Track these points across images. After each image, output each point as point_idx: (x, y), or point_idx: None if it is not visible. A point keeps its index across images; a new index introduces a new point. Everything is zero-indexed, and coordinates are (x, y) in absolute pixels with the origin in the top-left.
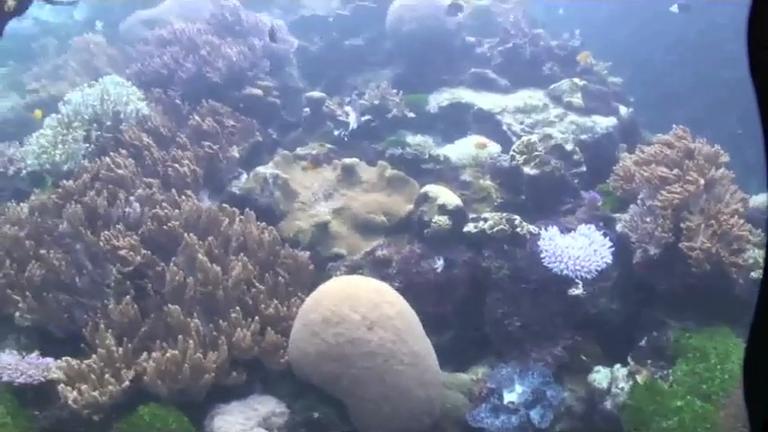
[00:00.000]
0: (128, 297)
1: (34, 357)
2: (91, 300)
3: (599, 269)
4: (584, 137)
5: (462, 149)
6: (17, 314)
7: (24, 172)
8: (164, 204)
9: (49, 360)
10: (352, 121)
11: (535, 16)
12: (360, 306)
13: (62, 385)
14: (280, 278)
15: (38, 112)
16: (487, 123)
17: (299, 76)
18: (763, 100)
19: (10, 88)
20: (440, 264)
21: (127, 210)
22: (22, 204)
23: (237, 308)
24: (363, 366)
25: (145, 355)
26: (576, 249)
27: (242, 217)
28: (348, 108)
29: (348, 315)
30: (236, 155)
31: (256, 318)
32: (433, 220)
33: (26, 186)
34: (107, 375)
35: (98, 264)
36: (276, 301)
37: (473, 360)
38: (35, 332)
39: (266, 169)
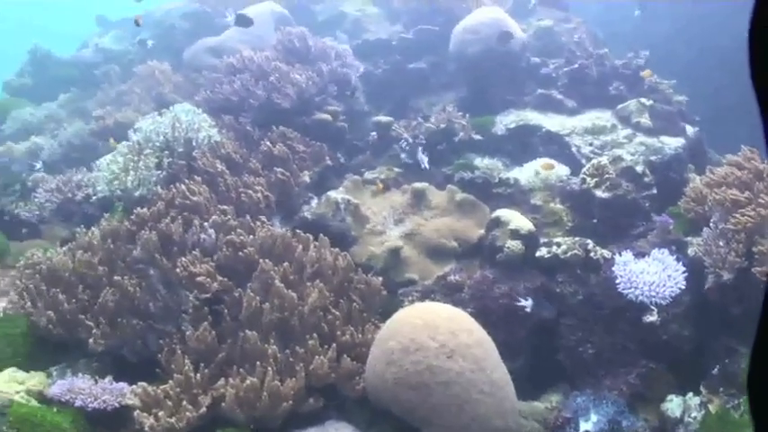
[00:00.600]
0: (205, 323)
1: (107, 382)
2: (164, 325)
3: (673, 295)
4: (653, 158)
5: (531, 172)
6: (90, 340)
7: (95, 198)
8: (238, 231)
9: (123, 385)
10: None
11: (596, 32)
12: (438, 334)
13: (138, 411)
14: (354, 304)
15: (113, 141)
16: (555, 145)
17: (364, 99)
18: (766, 107)
19: (74, 114)
20: (528, 303)
21: (201, 236)
22: (93, 229)
23: (315, 334)
24: (443, 395)
25: (222, 381)
26: (650, 275)
27: (316, 243)
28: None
29: (426, 343)
30: (307, 180)
31: (333, 345)
32: (506, 245)
33: (94, 211)
34: (184, 401)
35: (171, 289)
36: (351, 328)
37: (545, 387)
38: (107, 356)
39: (337, 194)
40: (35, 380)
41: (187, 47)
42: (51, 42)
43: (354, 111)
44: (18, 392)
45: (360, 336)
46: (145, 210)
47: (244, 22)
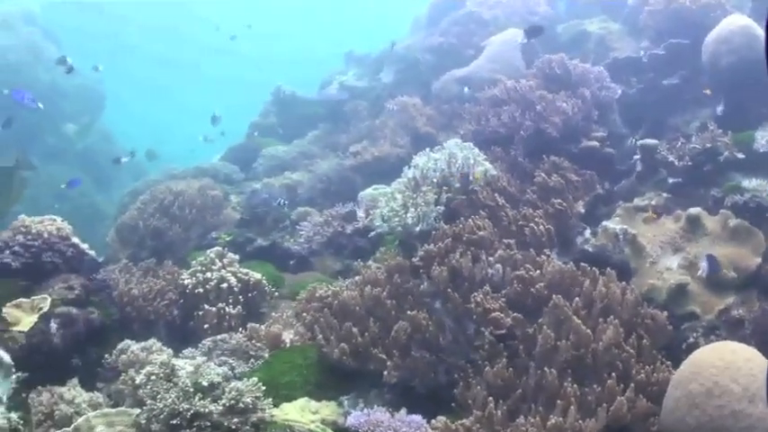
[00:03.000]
0: (503, 359)
1: (403, 415)
2: (453, 358)
3: None
4: None
5: None
6: (385, 372)
7: (373, 233)
8: (527, 266)
9: (418, 418)
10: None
11: None
12: (740, 377)
13: None
14: (644, 341)
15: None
16: None
17: (620, 121)
18: None
19: (326, 150)
20: None
21: (489, 271)
22: (372, 264)
23: (613, 374)
24: None
25: (521, 419)
26: None
27: (603, 276)
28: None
29: (729, 386)
30: (582, 210)
31: (632, 384)
32: None
33: (364, 244)
34: None
35: (460, 322)
36: (647, 366)
37: None
38: (397, 387)
39: (614, 224)
40: (327, 410)
41: (433, 79)
42: (292, 68)
43: (613, 134)
44: (313, 422)
45: (654, 375)
46: (432, 246)
47: (534, 32)
